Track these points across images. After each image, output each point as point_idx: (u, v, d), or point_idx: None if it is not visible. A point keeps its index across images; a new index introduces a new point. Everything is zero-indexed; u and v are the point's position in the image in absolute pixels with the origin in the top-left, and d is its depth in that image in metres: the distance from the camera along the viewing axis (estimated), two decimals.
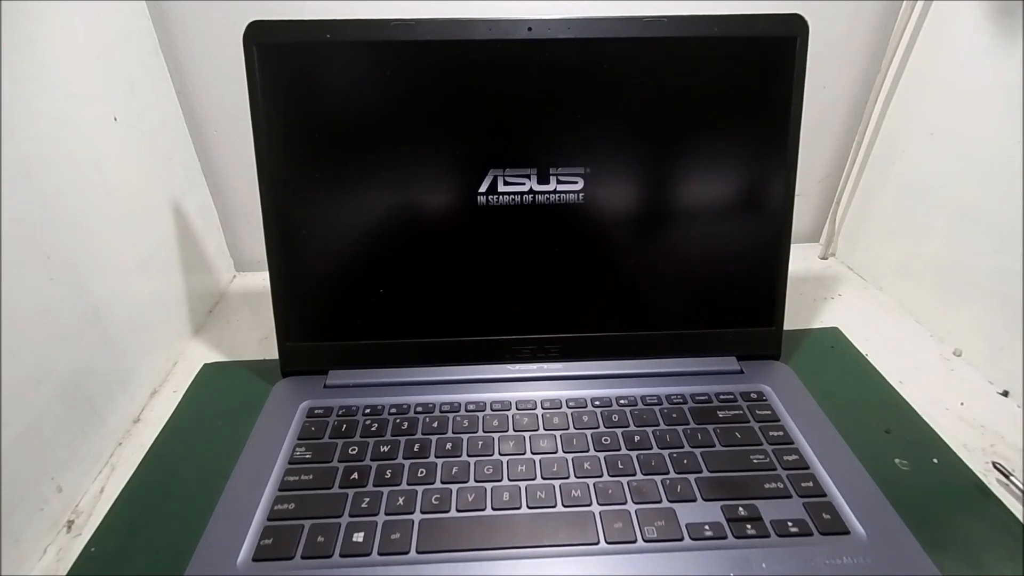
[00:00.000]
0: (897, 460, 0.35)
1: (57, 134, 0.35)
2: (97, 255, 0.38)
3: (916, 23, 0.48)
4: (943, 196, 0.46)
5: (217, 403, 0.41)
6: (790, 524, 0.29)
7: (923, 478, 0.34)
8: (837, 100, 0.56)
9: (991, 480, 0.34)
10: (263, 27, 0.35)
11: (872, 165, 0.55)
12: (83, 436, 0.35)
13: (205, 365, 0.45)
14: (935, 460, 0.35)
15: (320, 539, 0.29)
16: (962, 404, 0.40)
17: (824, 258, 0.60)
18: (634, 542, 0.29)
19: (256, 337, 0.49)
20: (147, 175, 0.44)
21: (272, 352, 0.41)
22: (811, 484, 0.32)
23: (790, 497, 0.31)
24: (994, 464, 0.35)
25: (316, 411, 0.37)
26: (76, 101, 0.37)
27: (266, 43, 0.35)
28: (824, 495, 0.31)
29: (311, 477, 0.33)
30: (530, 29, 0.36)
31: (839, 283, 0.56)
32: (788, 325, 0.41)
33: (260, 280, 0.58)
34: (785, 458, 0.33)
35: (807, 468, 0.33)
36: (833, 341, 0.47)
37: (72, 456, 0.34)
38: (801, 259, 0.60)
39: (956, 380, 0.43)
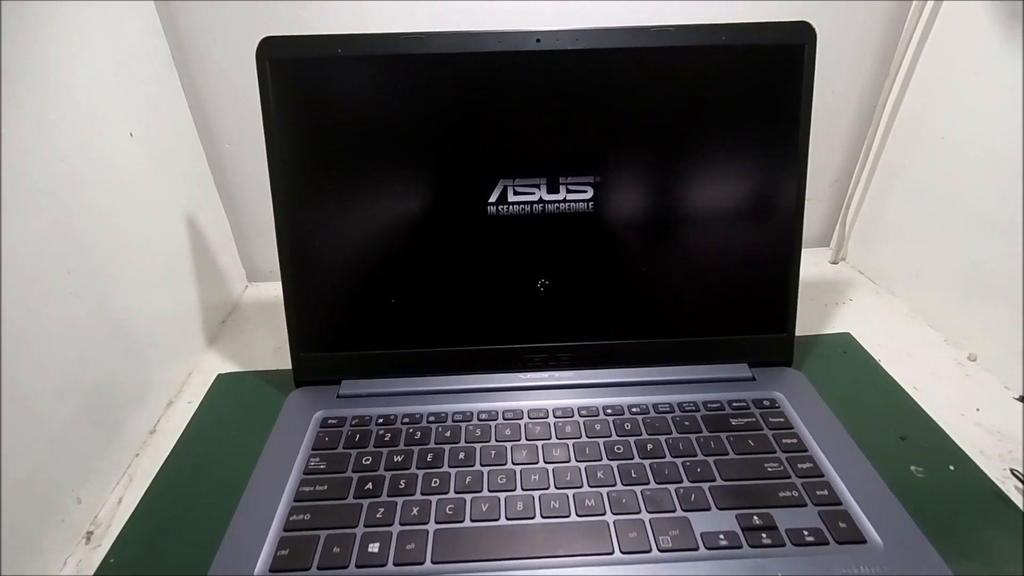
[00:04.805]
0: (913, 467, 0.35)
1: (79, 152, 0.35)
2: (117, 269, 0.38)
3: (925, 27, 0.48)
4: (956, 200, 0.46)
5: (232, 413, 0.42)
6: (806, 533, 0.29)
7: (940, 486, 0.34)
8: (846, 105, 0.56)
9: (1009, 487, 0.34)
10: (276, 43, 0.36)
11: (882, 169, 0.55)
12: (102, 447, 0.36)
13: (219, 376, 0.45)
14: (952, 467, 0.35)
15: (336, 550, 0.29)
16: (978, 410, 0.40)
17: (835, 263, 0.60)
18: (649, 551, 0.29)
19: (269, 348, 0.49)
20: (163, 189, 0.45)
21: (285, 362, 0.42)
22: (826, 492, 0.32)
23: (805, 506, 0.31)
24: (1012, 471, 0.34)
25: (330, 421, 0.38)
26: (96, 119, 0.37)
27: (279, 58, 0.36)
28: (840, 503, 0.31)
29: (326, 487, 0.33)
30: (539, 41, 0.36)
31: (850, 288, 0.55)
32: (799, 331, 0.41)
33: (272, 290, 0.59)
34: (799, 466, 0.33)
35: (822, 476, 0.33)
36: (845, 347, 0.46)
37: (92, 467, 0.35)
38: (811, 264, 0.60)
39: (972, 385, 0.42)
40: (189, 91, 0.50)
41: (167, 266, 0.45)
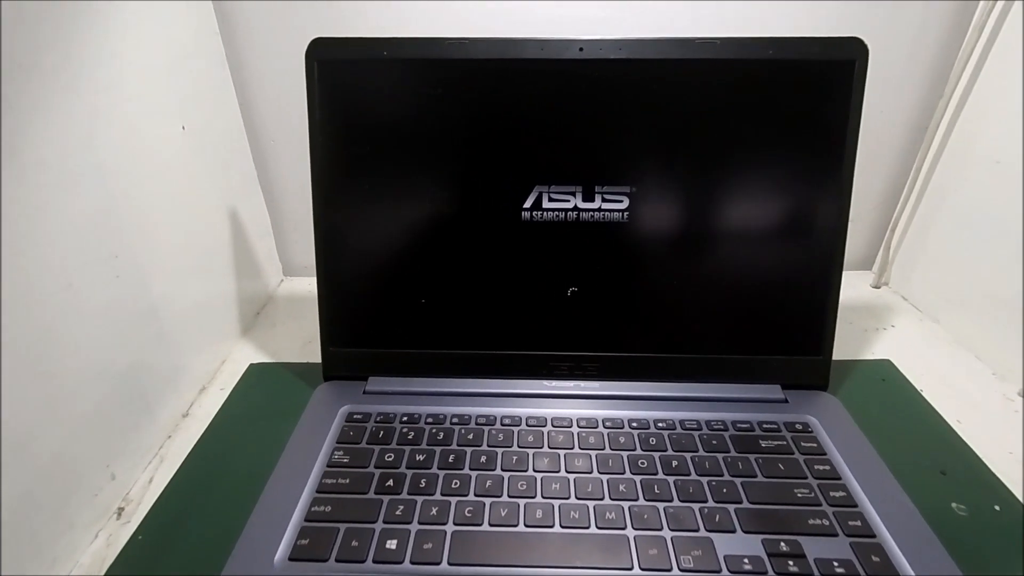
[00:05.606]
0: (954, 504, 0.33)
1: (130, 141, 0.37)
2: (159, 256, 0.40)
3: (983, 48, 0.47)
4: (1007, 226, 0.44)
5: (261, 403, 0.42)
6: (835, 564, 0.28)
7: (983, 525, 0.32)
8: (895, 125, 0.54)
9: None
10: (325, 44, 0.37)
11: (931, 192, 0.53)
12: (136, 428, 0.37)
13: (251, 365, 0.46)
14: (997, 507, 0.33)
15: (354, 543, 0.29)
16: None
17: (877, 287, 0.58)
18: (670, 570, 0.28)
19: (300, 341, 0.50)
20: (208, 182, 0.47)
21: (315, 356, 0.42)
22: (859, 523, 0.30)
23: (836, 536, 0.30)
24: None
25: (355, 416, 0.38)
26: (149, 111, 0.39)
27: (326, 59, 0.37)
28: (873, 536, 0.30)
29: (348, 481, 0.33)
30: (581, 49, 0.36)
31: (892, 314, 0.53)
32: (837, 355, 0.40)
33: (306, 285, 0.60)
34: (831, 494, 0.32)
35: (855, 506, 0.31)
36: (884, 374, 0.45)
37: (126, 446, 0.36)
38: (852, 287, 0.58)
39: (1020, 422, 0.40)
40: (239, 88, 0.52)
41: (207, 256, 0.47)
